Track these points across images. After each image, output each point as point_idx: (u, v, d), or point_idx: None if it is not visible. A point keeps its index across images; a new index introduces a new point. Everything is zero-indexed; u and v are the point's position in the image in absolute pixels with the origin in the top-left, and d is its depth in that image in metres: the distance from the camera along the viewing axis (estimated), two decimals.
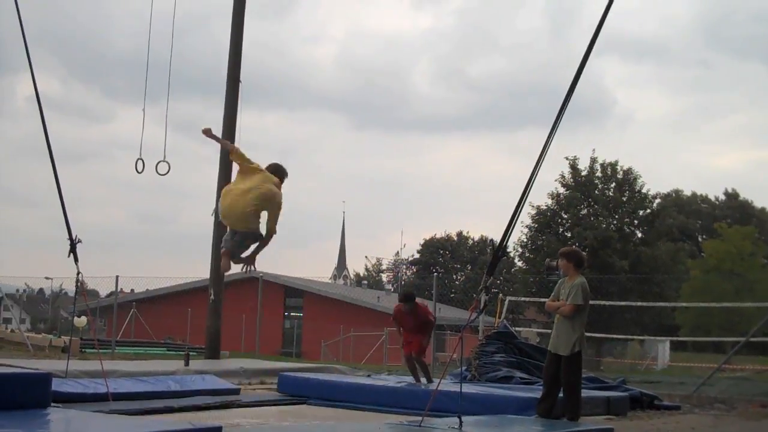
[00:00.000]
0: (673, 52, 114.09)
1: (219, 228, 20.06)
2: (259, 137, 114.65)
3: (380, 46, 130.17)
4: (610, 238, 46.35)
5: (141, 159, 18.46)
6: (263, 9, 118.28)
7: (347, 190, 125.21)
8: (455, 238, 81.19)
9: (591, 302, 10.58)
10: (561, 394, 10.36)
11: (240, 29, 21.23)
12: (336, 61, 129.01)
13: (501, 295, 22.67)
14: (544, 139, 8.52)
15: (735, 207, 79.35)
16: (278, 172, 9.76)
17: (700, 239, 75.54)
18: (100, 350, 17.23)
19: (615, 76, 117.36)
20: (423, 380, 13.52)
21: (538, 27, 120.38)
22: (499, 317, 20.64)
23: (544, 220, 48.78)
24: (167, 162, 18.96)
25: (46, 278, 39.68)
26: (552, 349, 10.42)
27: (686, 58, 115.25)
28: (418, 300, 14.07)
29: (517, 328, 20.44)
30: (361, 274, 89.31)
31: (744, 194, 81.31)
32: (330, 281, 76.03)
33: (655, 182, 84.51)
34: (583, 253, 11.15)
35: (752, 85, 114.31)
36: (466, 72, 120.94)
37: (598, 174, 49.42)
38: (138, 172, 18.55)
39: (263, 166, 9.69)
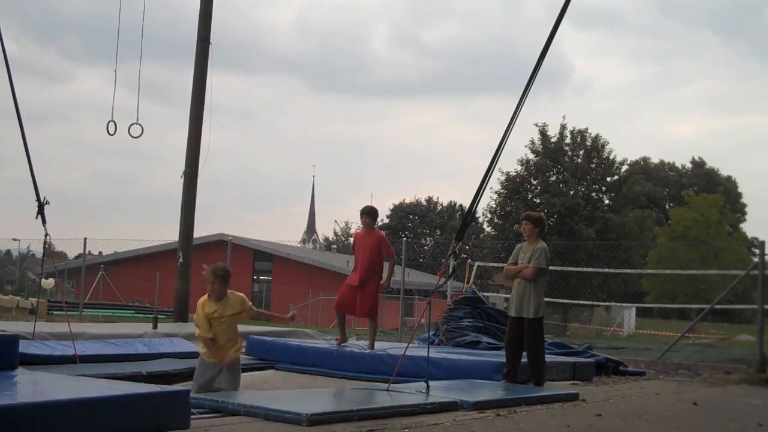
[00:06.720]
0: (627, 21, 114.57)
1: (188, 190, 19.99)
2: (223, 99, 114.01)
3: (337, 9, 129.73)
4: (578, 205, 46.58)
5: (113, 121, 18.19)
6: None
7: (314, 154, 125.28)
8: (424, 204, 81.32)
9: (558, 268, 10.65)
10: (524, 359, 10.39)
11: None
12: (293, 24, 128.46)
13: (469, 260, 22.74)
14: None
15: (701, 175, 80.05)
16: None
17: (667, 207, 76.10)
18: (68, 312, 17.15)
19: (572, 44, 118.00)
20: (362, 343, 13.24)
21: None
22: (468, 282, 20.71)
23: (513, 186, 48.93)
24: (140, 124, 18.71)
25: (14, 239, 39.49)
26: (515, 313, 10.28)
27: (640, 27, 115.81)
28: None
29: (485, 294, 20.48)
30: (331, 239, 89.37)
31: (710, 162, 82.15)
32: (299, 245, 76.05)
33: (619, 149, 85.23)
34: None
35: (703, 55, 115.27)
36: (423, 37, 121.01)
37: (567, 141, 49.59)
38: (110, 134, 18.27)
39: None
